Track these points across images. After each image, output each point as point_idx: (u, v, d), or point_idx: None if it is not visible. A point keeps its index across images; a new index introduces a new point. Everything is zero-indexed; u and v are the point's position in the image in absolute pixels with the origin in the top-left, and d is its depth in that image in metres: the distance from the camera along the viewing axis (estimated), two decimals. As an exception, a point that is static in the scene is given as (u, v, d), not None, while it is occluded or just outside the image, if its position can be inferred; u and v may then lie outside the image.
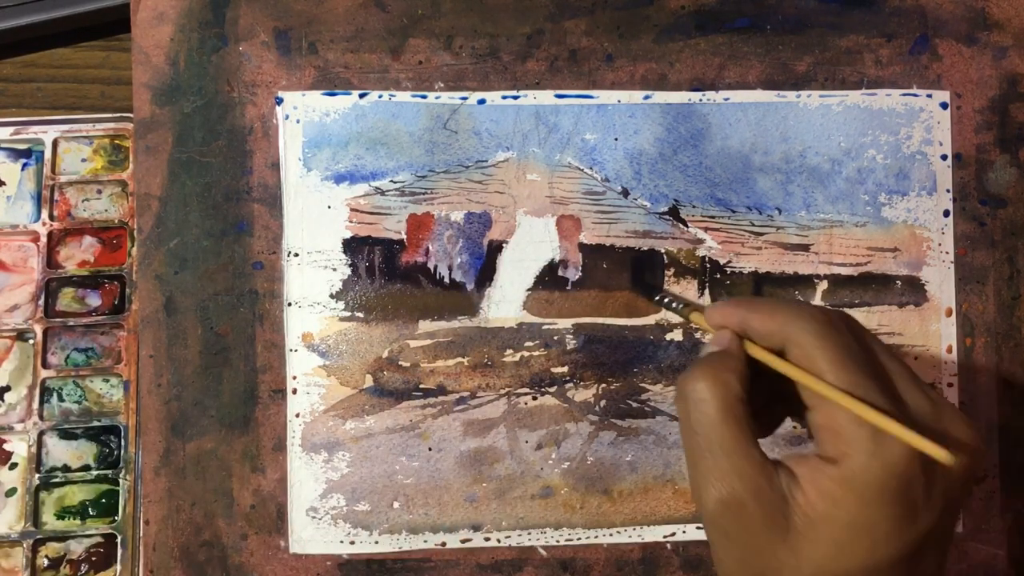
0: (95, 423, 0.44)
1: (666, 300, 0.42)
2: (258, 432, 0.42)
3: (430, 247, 0.43)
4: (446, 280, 0.43)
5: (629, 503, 0.43)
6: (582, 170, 0.44)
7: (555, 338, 0.43)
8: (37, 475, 0.43)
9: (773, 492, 0.29)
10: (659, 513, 0.43)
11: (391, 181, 0.43)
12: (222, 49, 0.43)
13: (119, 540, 0.43)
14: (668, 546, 0.43)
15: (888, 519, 0.28)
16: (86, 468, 0.43)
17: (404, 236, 0.43)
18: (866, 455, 0.28)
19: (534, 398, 0.43)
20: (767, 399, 0.33)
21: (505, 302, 0.43)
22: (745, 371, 0.31)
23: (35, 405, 0.43)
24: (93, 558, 0.43)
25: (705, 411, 0.30)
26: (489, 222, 0.44)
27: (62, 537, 0.43)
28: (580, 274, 0.44)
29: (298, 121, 0.43)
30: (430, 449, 0.43)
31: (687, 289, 0.44)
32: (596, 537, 0.43)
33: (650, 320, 0.44)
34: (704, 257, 0.44)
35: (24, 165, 0.45)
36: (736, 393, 0.30)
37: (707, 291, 0.44)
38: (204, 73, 0.43)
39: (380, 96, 0.44)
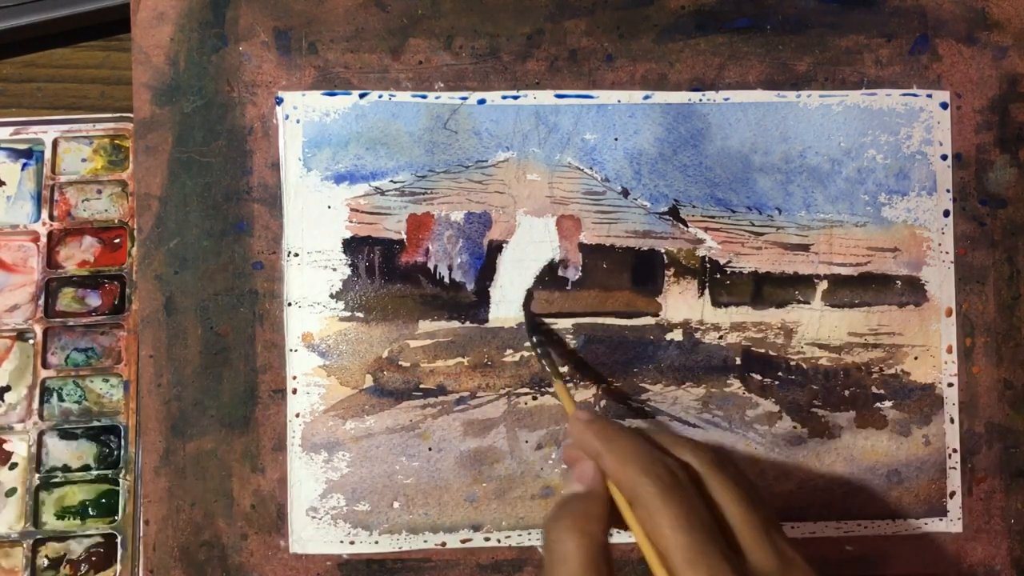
0: (95, 423, 0.44)
1: (538, 350, 0.41)
2: (258, 432, 0.42)
3: (430, 247, 0.43)
4: (446, 280, 0.43)
5: (629, 503, 0.43)
6: (582, 170, 0.44)
7: (555, 338, 0.43)
8: (37, 475, 0.43)
9: None
10: (659, 513, 0.43)
11: (391, 181, 0.43)
12: (222, 49, 0.43)
13: (119, 540, 0.43)
14: (668, 546, 0.43)
15: None
16: (86, 468, 0.43)
17: (404, 236, 0.43)
18: None
19: (534, 398, 0.43)
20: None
21: (505, 302, 0.43)
22: (608, 513, 0.32)
23: (35, 405, 0.43)
24: (93, 558, 0.43)
25: (570, 568, 0.30)
26: (489, 222, 0.44)
27: (62, 537, 0.43)
28: (580, 274, 0.44)
29: (298, 121, 0.43)
30: (430, 449, 0.43)
31: (687, 288, 0.44)
32: (596, 537, 0.43)
33: (650, 320, 0.44)
34: (704, 257, 0.44)
35: (24, 165, 0.45)
36: (599, 544, 0.31)
37: (707, 291, 0.44)
38: (204, 73, 0.43)
39: (380, 96, 0.44)
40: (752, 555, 0.31)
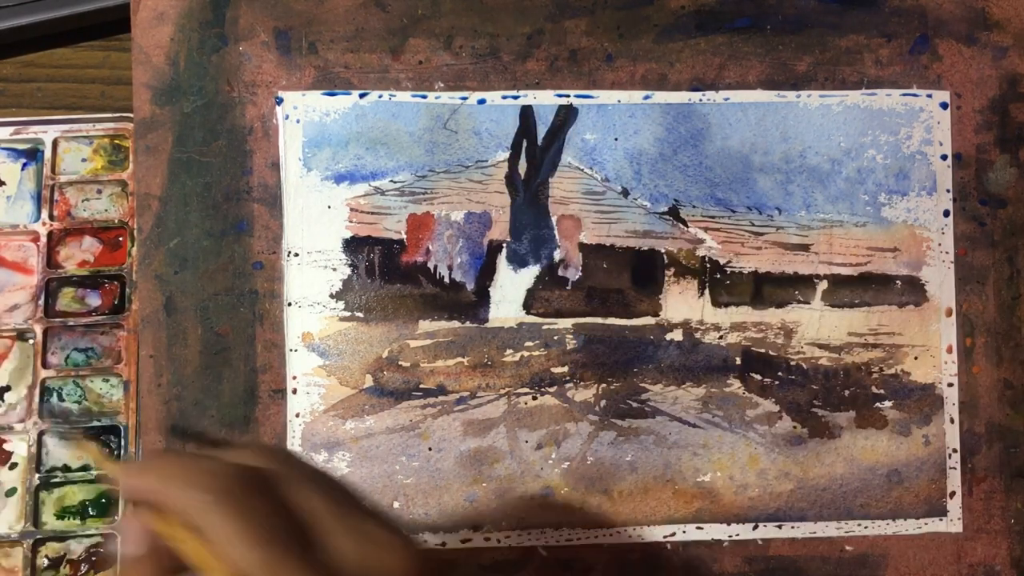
0: (95, 423, 0.44)
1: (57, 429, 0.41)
2: (258, 432, 0.42)
3: (430, 247, 0.43)
4: (446, 280, 0.43)
5: (629, 503, 0.43)
6: (582, 170, 0.44)
7: (555, 338, 0.43)
8: (37, 475, 0.43)
9: None
10: (659, 513, 0.43)
11: (391, 181, 0.43)
12: (222, 49, 0.43)
13: (119, 540, 0.43)
14: (668, 546, 0.43)
15: None
16: (86, 468, 0.43)
17: (404, 236, 0.43)
18: None
19: (534, 398, 0.43)
20: None
21: (505, 302, 0.43)
22: (159, 564, 0.29)
23: (35, 405, 0.43)
24: (93, 558, 0.43)
25: None
26: (489, 222, 0.44)
27: (62, 537, 0.43)
28: (580, 274, 0.44)
29: (298, 121, 0.43)
30: (430, 449, 0.43)
31: (687, 288, 0.44)
32: (596, 537, 0.43)
33: (650, 320, 0.44)
34: (704, 257, 0.44)
35: (24, 165, 0.45)
36: None
37: (707, 291, 0.44)
38: (204, 73, 0.43)
39: (380, 96, 0.44)
40: (331, 539, 0.28)
